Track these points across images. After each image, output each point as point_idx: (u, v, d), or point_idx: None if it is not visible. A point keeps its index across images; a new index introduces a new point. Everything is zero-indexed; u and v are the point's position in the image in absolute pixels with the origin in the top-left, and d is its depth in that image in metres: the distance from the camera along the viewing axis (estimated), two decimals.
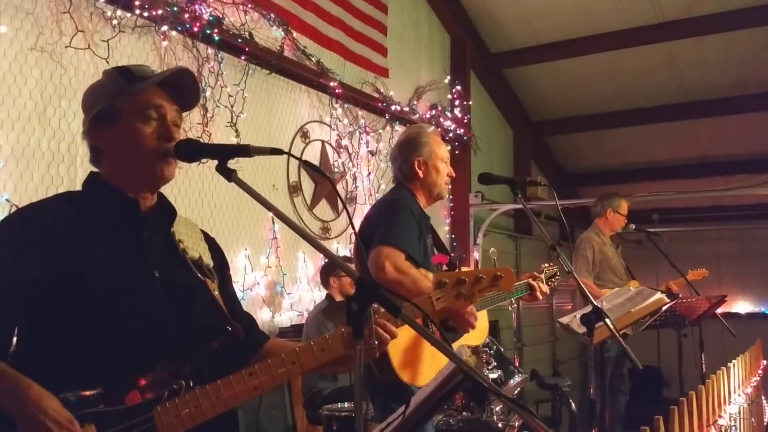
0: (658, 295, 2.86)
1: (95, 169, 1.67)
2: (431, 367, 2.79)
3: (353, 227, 1.45)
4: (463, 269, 2.82)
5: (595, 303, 2.17)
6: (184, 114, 1.67)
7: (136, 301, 1.50)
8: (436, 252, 2.90)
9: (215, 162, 1.49)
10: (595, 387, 2.40)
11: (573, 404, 3.75)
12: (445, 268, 3.06)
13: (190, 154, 1.51)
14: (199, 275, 1.62)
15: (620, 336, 2.22)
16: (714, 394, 2.69)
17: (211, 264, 1.69)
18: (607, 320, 2.14)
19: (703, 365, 4.44)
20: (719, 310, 4.65)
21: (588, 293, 2.25)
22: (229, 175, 1.42)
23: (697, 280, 5.29)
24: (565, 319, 2.96)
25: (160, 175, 1.56)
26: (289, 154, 1.44)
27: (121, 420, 1.39)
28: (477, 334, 3.04)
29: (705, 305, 4.35)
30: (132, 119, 1.56)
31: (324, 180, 4.95)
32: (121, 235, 1.56)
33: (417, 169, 2.88)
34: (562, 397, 3.74)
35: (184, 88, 1.62)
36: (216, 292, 1.63)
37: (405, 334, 2.50)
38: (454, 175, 3.02)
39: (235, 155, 1.43)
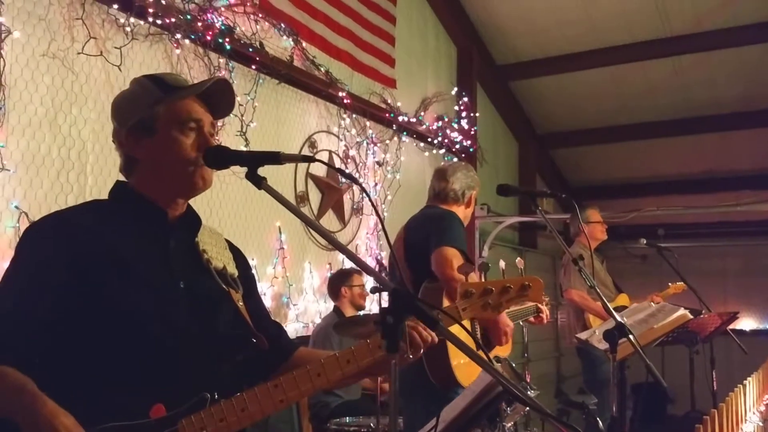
0: (681, 311, 2.82)
1: (114, 173, 1.64)
2: (478, 369, 2.81)
3: (387, 239, 1.41)
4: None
5: (619, 318, 2.13)
6: None
7: (162, 312, 1.47)
8: None
9: (223, 171, 1.47)
10: (616, 404, 2.35)
11: (600, 422, 3.70)
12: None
13: (220, 161, 1.48)
14: (224, 285, 1.59)
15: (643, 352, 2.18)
16: (733, 412, 2.66)
17: (236, 274, 1.66)
18: (630, 336, 2.09)
19: (714, 382, 4.39)
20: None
21: (611, 309, 2.20)
22: (259, 182, 1.39)
23: (675, 294, 5.24)
24: (584, 335, 2.91)
25: (201, 183, 1.54)
26: (321, 161, 1.41)
27: None
28: (503, 348, 3.05)
29: (717, 322, 4.31)
30: (171, 129, 1.53)
31: (331, 190, 4.92)
32: (148, 244, 1.53)
33: (473, 200, 3.26)
34: (590, 415, 3.67)
35: (220, 98, 1.60)
36: (240, 303, 1.61)
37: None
38: None
39: (266, 162, 1.40)
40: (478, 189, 3.28)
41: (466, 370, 2.74)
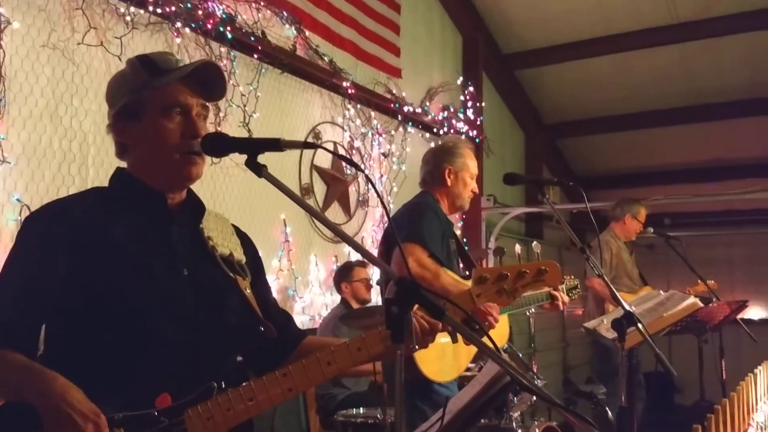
0: (691, 300, 2.78)
1: (117, 165, 1.61)
2: (452, 364, 2.75)
3: (393, 230, 1.38)
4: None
5: (627, 307, 2.09)
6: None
7: (165, 300, 1.45)
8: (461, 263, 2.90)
9: (225, 162, 1.43)
10: (625, 394, 2.32)
11: (609, 412, 3.66)
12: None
13: (218, 149, 1.45)
14: (230, 273, 1.56)
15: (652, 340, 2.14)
16: (744, 402, 2.63)
17: (243, 260, 1.63)
18: (639, 325, 2.06)
19: (723, 372, 4.35)
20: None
21: (620, 298, 2.17)
22: (259, 170, 1.35)
23: (702, 292, 5.19)
24: (591, 324, 2.88)
25: (186, 174, 1.51)
26: (323, 148, 1.38)
27: (152, 423, 1.34)
28: (497, 337, 2.99)
29: (726, 311, 4.27)
30: (156, 115, 1.50)
31: (336, 182, 4.88)
32: (150, 231, 1.51)
33: (447, 176, 3.02)
34: (598, 405, 3.64)
35: (209, 81, 1.56)
36: (248, 291, 1.58)
37: None
38: (477, 191, 3.17)
39: (266, 149, 1.36)
40: (461, 159, 3.03)
41: (433, 365, 2.65)
